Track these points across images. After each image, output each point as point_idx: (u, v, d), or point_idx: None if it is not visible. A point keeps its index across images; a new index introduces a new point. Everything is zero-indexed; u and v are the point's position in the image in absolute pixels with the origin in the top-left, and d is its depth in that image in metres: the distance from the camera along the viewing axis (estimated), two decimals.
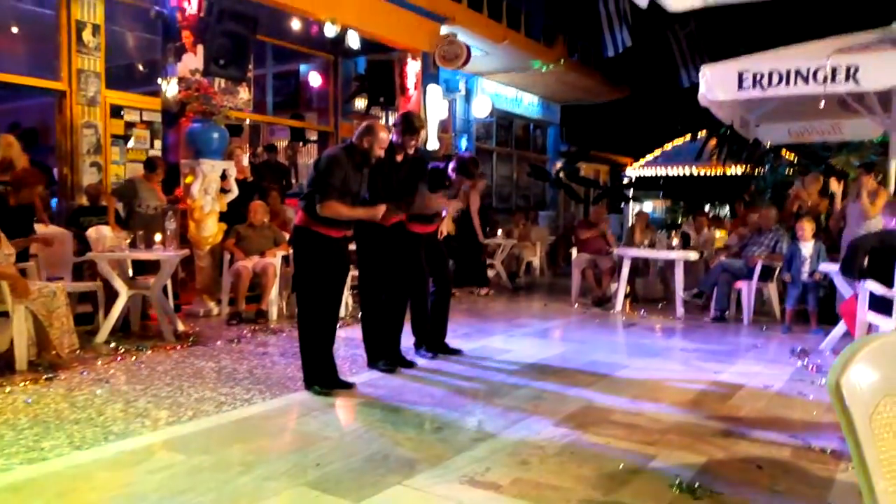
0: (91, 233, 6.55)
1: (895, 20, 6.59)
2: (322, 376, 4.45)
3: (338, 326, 4.73)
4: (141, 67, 9.29)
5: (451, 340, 5.79)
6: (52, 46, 7.74)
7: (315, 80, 12.17)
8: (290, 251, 7.47)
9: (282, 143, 11.77)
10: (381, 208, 4.50)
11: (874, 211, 6.71)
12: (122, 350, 5.56)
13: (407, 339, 5.44)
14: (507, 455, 3.35)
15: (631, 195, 18.17)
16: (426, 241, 5.45)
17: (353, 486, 2.94)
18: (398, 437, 3.62)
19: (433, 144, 11.94)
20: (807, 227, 7.09)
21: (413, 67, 11.56)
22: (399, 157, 5.06)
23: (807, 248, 7.08)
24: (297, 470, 3.16)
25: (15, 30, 8.34)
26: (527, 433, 3.68)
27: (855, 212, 7.10)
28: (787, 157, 12.28)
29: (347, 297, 7.78)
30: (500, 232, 11.15)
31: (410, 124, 5.06)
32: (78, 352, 5.23)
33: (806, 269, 7.01)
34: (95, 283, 6.32)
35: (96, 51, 7.86)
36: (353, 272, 5.37)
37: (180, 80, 7.55)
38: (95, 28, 7.84)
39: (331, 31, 9.72)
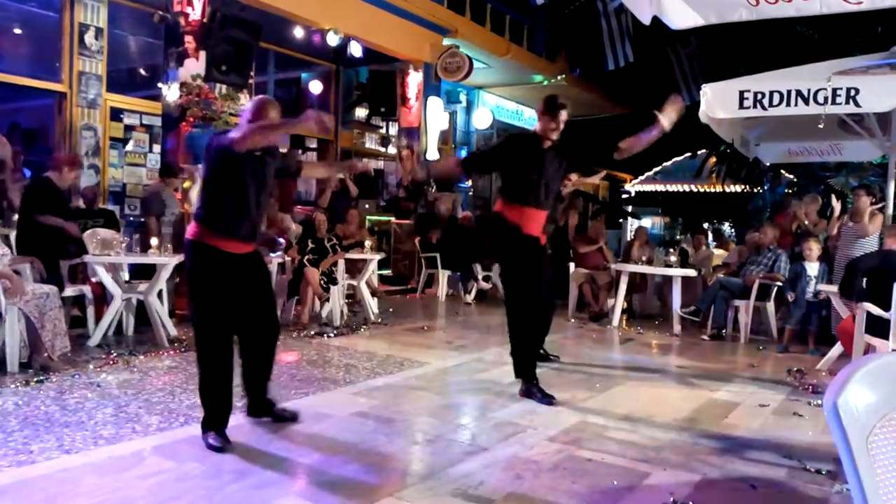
0: (87, 235, 6.52)
1: (895, 45, 6.64)
2: (220, 420, 3.58)
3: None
4: (142, 71, 9.30)
5: (448, 353, 5.77)
6: (54, 48, 7.75)
7: (316, 88, 12.21)
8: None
9: (281, 151, 11.77)
10: (312, 115, 3.41)
11: (871, 231, 6.74)
12: (115, 354, 5.53)
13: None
14: (500, 469, 3.33)
15: (630, 211, 18.19)
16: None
17: (344, 498, 2.92)
18: (391, 448, 3.59)
19: (433, 155, 11.96)
20: (813, 248, 7.10)
21: (415, 78, 11.60)
22: (545, 144, 4.61)
23: (812, 268, 7.08)
24: (288, 479, 3.13)
25: (18, 31, 8.35)
26: (520, 447, 3.66)
27: (849, 232, 7.10)
28: (786, 176, 12.31)
29: (343, 306, 7.77)
30: None
31: (551, 103, 4.58)
32: (70, 355, 5.20)
33: (811, 289, 7.01)
34: (84, 285, 6.29)
35: (98, 54, 7.89)
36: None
37: (181, 84, 7.56)
38: (98, 31, 7.87)
39: (333, 40, 9.76)
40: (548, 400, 4.52)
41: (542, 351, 5.78)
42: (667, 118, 4.41)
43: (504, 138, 4.78)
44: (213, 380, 3.56)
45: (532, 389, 4.63)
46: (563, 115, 4.55)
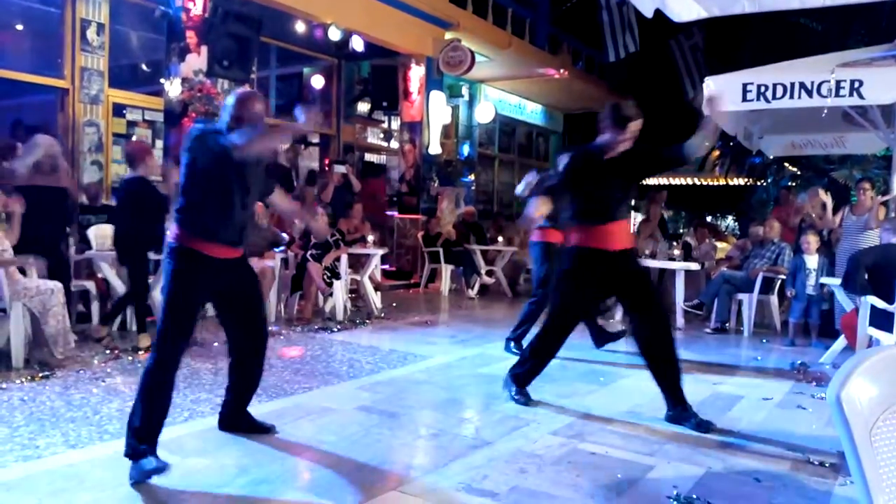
0: (92, 231, 6.54)
1: None
2: (155, 437, 3.14)
3: (267, 346, 3.70)
4: (144, 67, 9.29)
5: (451, 347, 5.77)
6: (56, 44, 7.75)
7: (318, 82, 12.19)
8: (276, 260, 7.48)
9: (283, 145, 11.76)
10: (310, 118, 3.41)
11: (876, 224, 6.73)
12: (119, 349, 5.54)
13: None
14: (504, 463, 3.33)
15: (633, 204, 18.14)
16: None
17: (348, 492, 2.93)
18: (394, 442, 3.60)
19: (435, 150, 11.95)
20: (812, 241, 7.09)
21: (417, 72, 11.58)
22: (610, 155, 4.19)
23: (812, 261, 7.07)
24: (292, 474, 3.14)
25: (20, 27, 8.35)
26: (524, 441, 3.67)
27: (852, 225, 7.09)
28: (789, 169, 12.28)
29: (346, 301, 7.78)
30: (500, 239, 11.14)
31: (620, 115, 4.11)
32: (74, 350, 5.21)
33: (811, 282, 7.00)
34: (90, 281, 6.31)
35: (100, 49, 7.87)
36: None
37: (183, 80, 7.55)
38: (100, 27, 7.85)
39: (335, 34, 9.74)
40: (704, 426, 4.02)
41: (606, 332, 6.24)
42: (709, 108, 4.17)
43: (567, 163, 4.31)
44: (163, 391, 3.18)
45: (684, 414, 4.13)
46: (635, 126, 4.12)
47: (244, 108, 3.35)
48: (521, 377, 4.49)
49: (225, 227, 3.29)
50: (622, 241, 4.27)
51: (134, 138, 8.61)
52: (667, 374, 4.19)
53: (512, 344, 6.01)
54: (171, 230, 3.31)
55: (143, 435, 3.06)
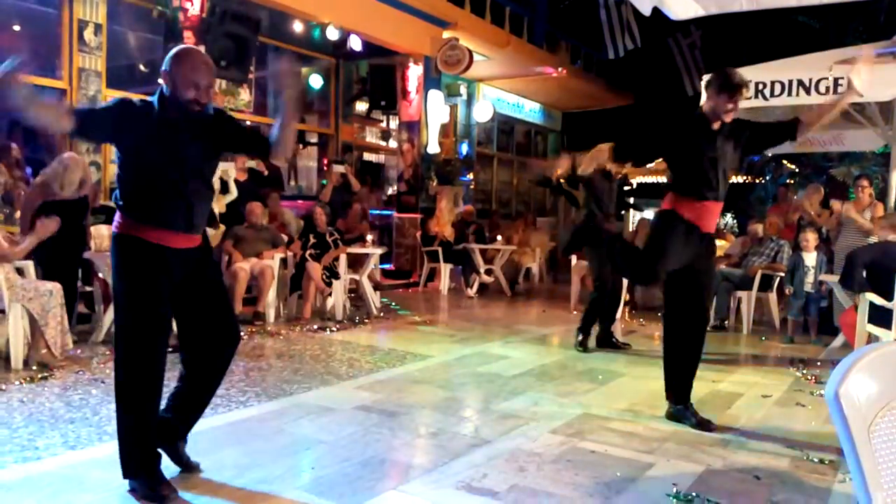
0: (91, 232, 6.53)
1: None
2: (145, 462, 2.83)
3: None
4: (142, 67, 9.29)
5: (451, 346, 5.77)
6: (53, 45, 7.74)
7: (316, 82, 12.19)
8: (280, 254, 7.48)
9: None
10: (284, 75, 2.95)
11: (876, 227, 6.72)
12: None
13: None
14: (503, 461, 3.33)
15: (632, 203, 18.14)
16: None
17: (347, 491, 2.93)
18: (394, 441, 3.60)
19: (434, 149, 11.95)
20: (810, 238, 7.10)
21: (415, 71, 11.58)
22: (716, 125, 3.90)
23: (810, 258, 7.07)
24: (291, 474, 3.14)
25: (16, 28, 8.34)
26: (524, 440, 3.67)
27: (851, 222, 7.09)
28: (787, 166, 12.29)
29: (345, 300, 7.78)
30: (499, 238, 11.14)
31: (728, 80, 3.83)
32: (73, 352, 5.21)
33: (809, 279, 7.00)
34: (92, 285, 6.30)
35: (98, 50, 7.86)
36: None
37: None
38: (97, 27, 7.84)
39: (333, 34, 9.74)
40: (704, 425, 3.96)
41: (613, 339, 6.35)
42: (857, 78, 3.75)
43: (666, 120, 4.03)
44: (143, 411, 2.81)
45: (686, 412, 4.07)
46: (743, 94, 3.90)
47: (183, 67, 2.81)
48: (677, 391, 4.18)
49: (172, 211, 2.82)
50: (712, 226, 4.03)
51: None
52: (684, 367, 4.11)
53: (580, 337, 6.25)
54: (115, 220, 2.87)
55: (139, 465, 2.81)
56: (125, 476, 2.84)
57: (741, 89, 3.84)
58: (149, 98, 2.89)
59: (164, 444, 2.99)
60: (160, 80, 2.87)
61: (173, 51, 2.91)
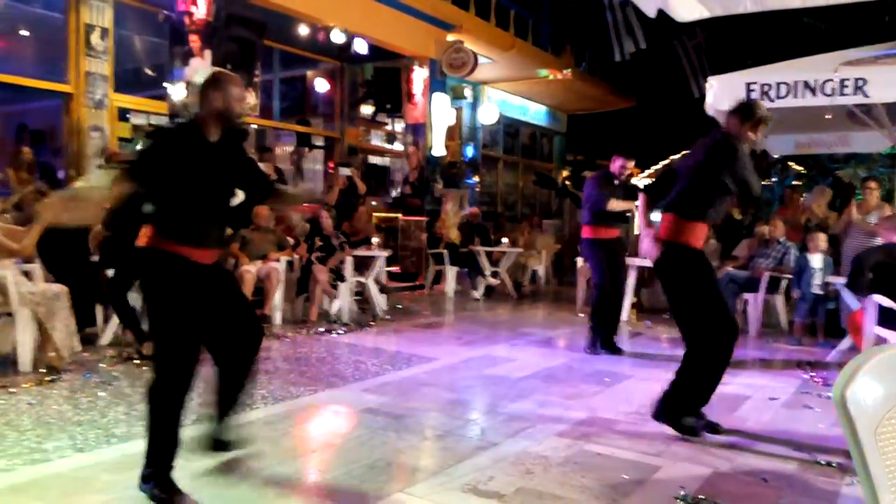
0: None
1: None
2: (170, 463, 2.84)
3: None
4: (149, 71, 9.33)
5: (457, 349, 5.78)
6: (60, 49, 7.78)
7: (322, 85, 12.21)
8: (284, 257, 7.50)
9: (288, 148, 11.80)
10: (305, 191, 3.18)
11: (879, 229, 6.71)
12: (126, 353, 5.55)
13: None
14: (510, 464, 3.33)
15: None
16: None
17: (354, 494, 2.93)
18: (400, 444, 3.61)
19: (439, 151, 11.96)
20: (820, 239, 7.07)
21: (420, 74, 11.60)
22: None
23: (817, 260, 7.05)
24: (298, 476, 3.14)
25: (24, 33, 8.39)
26: (530, 442, 3.67)
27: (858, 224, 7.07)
28: (794, 168, 12.26)
29: (351, 303, 7.79)
30: (504, 240, 11.13)
31: (749, 112, 3.77)
32: (81, 354, 5.23)
33: (817, 281, 6.98)
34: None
35: (104, 54, 7.90)
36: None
37: (187, 84, 7.57)
38: (104, 31, 7.88)
39: (338, 37, 9.76)
40: (711, 427, 3.87)
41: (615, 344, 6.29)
42: None
43: (720, 146, 3.83)
44: (173, 414, 2.84)
45: (698, 423, 3.87)
46: (763, 132, 3.87)
47: (216, 93, 2.86)
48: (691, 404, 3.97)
49: (204, 229, 2.93)
50: (702, 244, 3.99)
51: (140, 144, 8.66)
52: (709, 380, 3.88)
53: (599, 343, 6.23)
54: (143, 233, 2.89)
55: (159, 467, 2.82)
56: (143, 479, 2.82)
57: (762, 125, 3.79)
58: (180, 122, 2.94)
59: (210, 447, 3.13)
60: (196, 108, 2.91)
61: (210, 74, 2.94)
